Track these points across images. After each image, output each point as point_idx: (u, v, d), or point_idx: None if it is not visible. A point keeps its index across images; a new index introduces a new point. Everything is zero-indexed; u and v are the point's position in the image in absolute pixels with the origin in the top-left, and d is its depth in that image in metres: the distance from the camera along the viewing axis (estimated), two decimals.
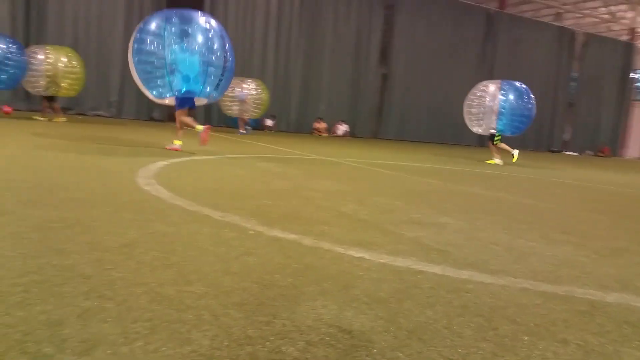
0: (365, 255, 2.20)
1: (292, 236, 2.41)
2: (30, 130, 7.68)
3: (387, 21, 20.18)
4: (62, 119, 10.70)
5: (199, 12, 6.36)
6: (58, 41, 13.40)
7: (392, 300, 1.68)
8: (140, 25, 6.20)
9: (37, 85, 10.45)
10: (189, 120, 6.56)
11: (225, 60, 6.22)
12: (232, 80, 11.21)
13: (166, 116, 16.22)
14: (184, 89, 6.18)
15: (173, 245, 2.10)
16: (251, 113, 13.29)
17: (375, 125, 20.52)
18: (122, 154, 5.75)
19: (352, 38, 19.27)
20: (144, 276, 1.68)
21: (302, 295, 1.64)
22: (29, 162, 4.27)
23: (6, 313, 1.29)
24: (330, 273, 1.91)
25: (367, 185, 5.06)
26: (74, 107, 14.61)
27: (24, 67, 9.83)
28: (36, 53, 10.34)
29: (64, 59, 10.62)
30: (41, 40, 13.51)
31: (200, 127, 6.33)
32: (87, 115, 14.71)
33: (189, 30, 6.00)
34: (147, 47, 5.95)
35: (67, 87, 10.69)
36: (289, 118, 18.33)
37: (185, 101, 6.39)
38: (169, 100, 6.42)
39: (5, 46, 9.51)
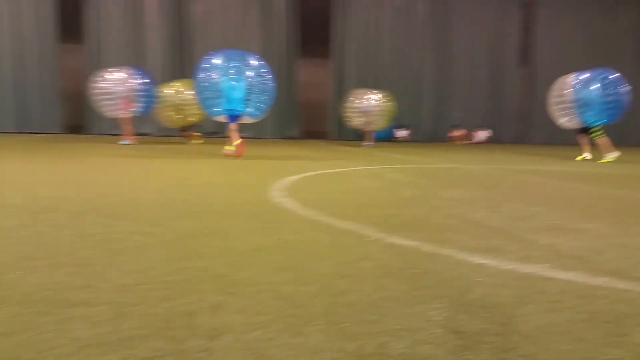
0: (489, 261, 2.17)
1: (411, 243, 2.47)
2: (180, 153, 8.75)
3: (525, 18, 19.09)
4: (198, 140, 12.22)
5: (246, 52, 8.40)
6: None
7: (511, 305, 1.65)
8: (206, 58, 8.16)
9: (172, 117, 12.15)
10: (234, 134, 8.15)
11: (263, 84, 8.09)
12: (356, 92, 11.93)
13: (302, 134, 17.20)
14: (231, 108, 8.02)
15: (295, 250, 2.30)
16: (376, 125, 13.33)
17: (522, 129, 19.34)
18: (259, 170, 6.28)
19: (486, 39, 18.56)
20: (267, 276, 1.88)
21: (415, 298, 1.70)
22: (175, 178, 4.91)
23: (153, 305, 1.57)
24: (446, 278, 1.93)
25: (503, 192, 4.85)
26: (221, 131, 16.24)
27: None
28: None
29: (183, 90, 12.01)
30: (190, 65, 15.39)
31: (237, 141, 7.97)
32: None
33: (236, 65, 7.92)
34: (207, 77, 7.95)
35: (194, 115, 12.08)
36: (423, 127, 18.15)
37: (233, 118, 8.13)
38: (222, 117, 8.27)
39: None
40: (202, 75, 8.03)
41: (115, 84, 10.92)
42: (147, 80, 11.41)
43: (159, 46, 15.87)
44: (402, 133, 17.06)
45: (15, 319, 1.42)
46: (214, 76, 7.87)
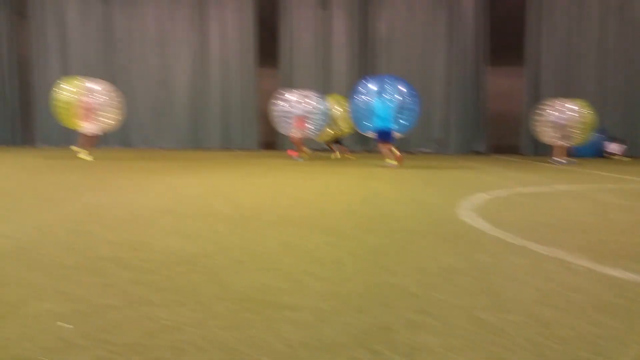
0: None
1: (630, 275, 2.19)
2: (347, 167, 9.08)
3: None
4: (349, 155, 12.52)
5: (397, 78, 10.34)
6: None
7: None
8: (364, 82, 10.05)
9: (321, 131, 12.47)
10: (387, 150, 9.49)
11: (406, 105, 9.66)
12: (550, 102, 11.19)
13: (490, 149, 16.44)
14: (384, 126, 9.42)
15: (491, 274, 2.21)
16: (575, 139, 11.95)
17: None
18: (445, 187, 6.19)
19: None
20: (462, 299, 1.85)
21: (637, 341, 1.51)
22: (362, 193, 5.10)
23: (351, 315, 1.67)
24: None
25: None
26: (400, 146, 16.44)
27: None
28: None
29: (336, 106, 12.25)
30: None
31: (397, 154, 9.35)
32: (411, 152, 16.30)
33: (385, 88, 9.66)
34: (363, 98, 9.71)
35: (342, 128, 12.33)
36: None
37: (386, 135, 9.45)
38: (371, 134, 9.75)
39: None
40: (358, 97, 9.83)
41: (292, 104, 11.67)
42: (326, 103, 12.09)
43: (344, 67, 16.78)
44: (614, 147, 15.09)
45: (231, 315, 1.65)
46: (369, 98, 9.63)
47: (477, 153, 16.19)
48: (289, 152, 11.97)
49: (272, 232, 3.03)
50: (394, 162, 9.27)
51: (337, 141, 12.91)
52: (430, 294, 1.91)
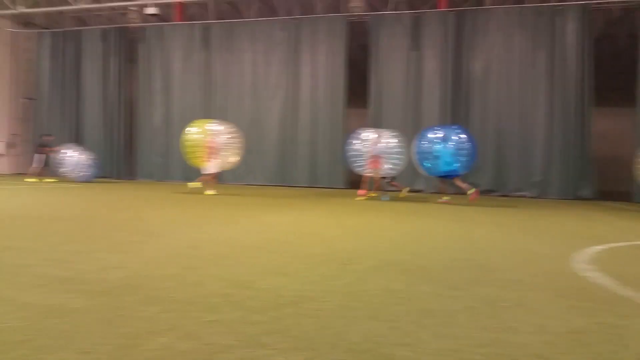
0: None
1: None
2: (436, 210, 8.78)
3: None
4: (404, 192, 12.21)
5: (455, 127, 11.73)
6: (481, 124, 15.35)
7: None
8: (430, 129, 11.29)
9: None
10: (461, 184, 11.03)
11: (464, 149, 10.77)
12: None
13: (596, 195, 15.37)
14: (449, 169, 10.82)
15: (625, 339, 2.00)
16: None
17: None
18: (552, 235, 5.81)
19: None
20: None
21: None
22: (460, 239, 4.90)
23: None
24: None
25: None
26: (498, 189, 15.83)
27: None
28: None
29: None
30: (466, 123, 15.69)
31: (471, 190, 10.83)
32: (510, 196, 15.61)
33: (447, 136, 10.88)
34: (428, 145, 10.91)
35: None
36: None
37: (451, 175, 10.94)
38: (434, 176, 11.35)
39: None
40: (424, 143, 11.01)
41: (367, 143, 11.47)
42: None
43: (436, 108, 16.62)
44: None
45: None
46: (433, 145, 10.80)
47: (582, 199, 15.17)
48: (359, 192, 12.09)
49: (374, 277, 2.97)
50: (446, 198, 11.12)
51: (391, 178, 12.63)
52: (558, 358, 1.75)
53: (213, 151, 11.16)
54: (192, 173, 18.57)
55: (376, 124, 16.65)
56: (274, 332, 1.90)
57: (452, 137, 10.88)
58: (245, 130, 18.10)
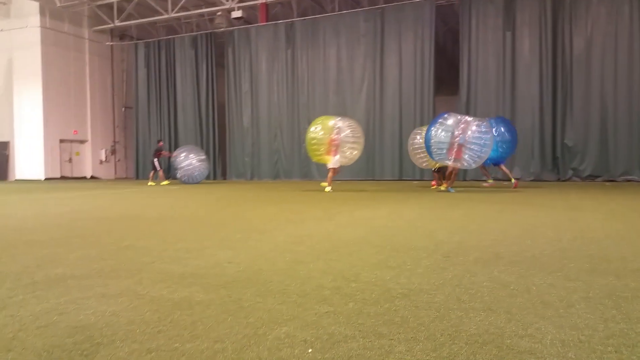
0: None
1: None
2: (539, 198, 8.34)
3: None
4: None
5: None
6: (584, 105, 14.57)
7: None
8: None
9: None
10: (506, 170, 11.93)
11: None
12: None
13: None
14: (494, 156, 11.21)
15: None
16: None
17: None
18: None
19: None
20: None
21: None
22: (571, 228, 4.66)
23: None
24: None
25: None
26: (602, 174, 14.82)
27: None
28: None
29: None
30: (568, 105, 14.88)
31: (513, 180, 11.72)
32: (616, 180, 14.58)
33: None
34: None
35: None
36: None
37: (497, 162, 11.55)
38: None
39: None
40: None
41: (450, 131, 10.34)
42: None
43: (534, 89, 15.80)
44: None
45: (471, 358, 1.62)
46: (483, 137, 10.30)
47: None
48: (433, 183, 12.17)
49: (482, 269, 2.94)
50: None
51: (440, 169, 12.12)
52: None
53: (336, 147, 11.30)
54: (281, 172, 19.22)
55: (467, 111, 16.18)
56: (391, 323, 1.96)
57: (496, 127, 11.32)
58: None
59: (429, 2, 17.17)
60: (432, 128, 10.60)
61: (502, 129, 11.71)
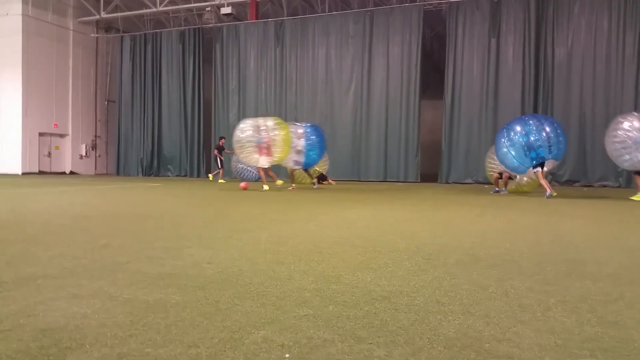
0: None
1: None
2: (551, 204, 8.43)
3: None
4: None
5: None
6: (564, 112, 14.71)
7: None
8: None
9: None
10: (544, 180, 10.34)
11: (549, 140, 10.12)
12: None
13: None
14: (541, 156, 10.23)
15: None
16: None
17: None
18: None
19: None
20: None
21: None
22: (550, 233, 4.72)
23: None
24: None
25: None
26: (580, 179, 15.09)
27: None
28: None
29: None
30: (549, 112, 15.03)
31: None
32: (593, 186, 14.83)
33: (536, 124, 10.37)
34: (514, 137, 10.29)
35: None
36: None
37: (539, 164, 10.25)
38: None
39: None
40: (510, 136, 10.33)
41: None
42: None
43: (516, 95, 16.02)
44: None
45: None
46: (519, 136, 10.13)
47: None
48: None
49: (462, 272, 2.95)
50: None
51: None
52: None
53: (266, 148, 11.20)
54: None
55: (452, 115, 16.32)
56: (370, 326, 1.95)
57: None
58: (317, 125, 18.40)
59: (417, 6, 17.30)
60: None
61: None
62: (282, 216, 6.19)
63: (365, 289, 2.52)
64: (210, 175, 17.26)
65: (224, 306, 2.23)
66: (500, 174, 11.71)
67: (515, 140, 10.15)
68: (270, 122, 11.52)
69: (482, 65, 16.42)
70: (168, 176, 21.19)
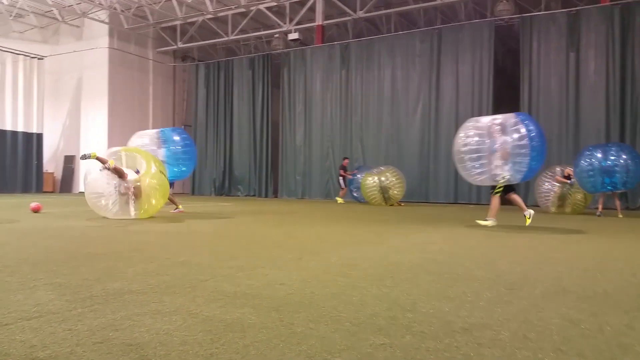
0: None
1: None
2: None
3: None
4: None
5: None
6: None
7: None
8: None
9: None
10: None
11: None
12: None
13: None
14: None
15: None
16: None
17: None
18: None
19: None
20: None
21: None
22: (630, 259, 4.35)
23: None
24: None
25: None
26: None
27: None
28: None
29: None
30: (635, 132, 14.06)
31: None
32: None
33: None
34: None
35: None
36: None
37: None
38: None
39: None
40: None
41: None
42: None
43: (600, 112, 15.14)
44: None
45: None
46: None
47: None
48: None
49: (551, 304, 2.75)
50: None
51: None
52: None
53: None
54: (332, 191, 19.12)
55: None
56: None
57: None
58: (384, 146, 18.24)
59: (488, 22, 16.89)
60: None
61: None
62: (351, 238, 6.12)
63: (444, 319, 2.39)
64: (338, 199, 17.07)
65: (298, 329, 2.20)
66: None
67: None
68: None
69: (560, 80, 15.68)
70: (238, 196, 21.73)
